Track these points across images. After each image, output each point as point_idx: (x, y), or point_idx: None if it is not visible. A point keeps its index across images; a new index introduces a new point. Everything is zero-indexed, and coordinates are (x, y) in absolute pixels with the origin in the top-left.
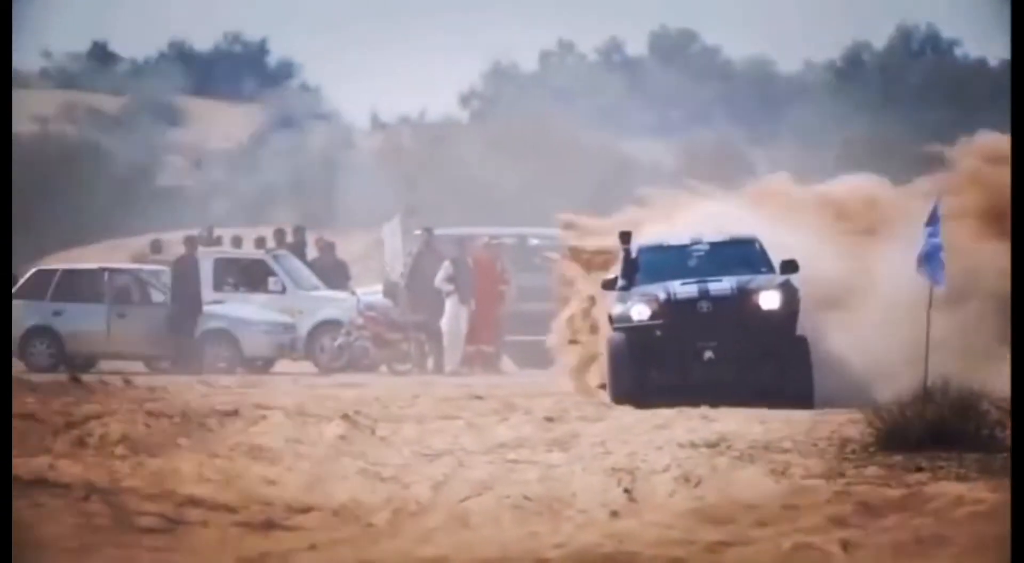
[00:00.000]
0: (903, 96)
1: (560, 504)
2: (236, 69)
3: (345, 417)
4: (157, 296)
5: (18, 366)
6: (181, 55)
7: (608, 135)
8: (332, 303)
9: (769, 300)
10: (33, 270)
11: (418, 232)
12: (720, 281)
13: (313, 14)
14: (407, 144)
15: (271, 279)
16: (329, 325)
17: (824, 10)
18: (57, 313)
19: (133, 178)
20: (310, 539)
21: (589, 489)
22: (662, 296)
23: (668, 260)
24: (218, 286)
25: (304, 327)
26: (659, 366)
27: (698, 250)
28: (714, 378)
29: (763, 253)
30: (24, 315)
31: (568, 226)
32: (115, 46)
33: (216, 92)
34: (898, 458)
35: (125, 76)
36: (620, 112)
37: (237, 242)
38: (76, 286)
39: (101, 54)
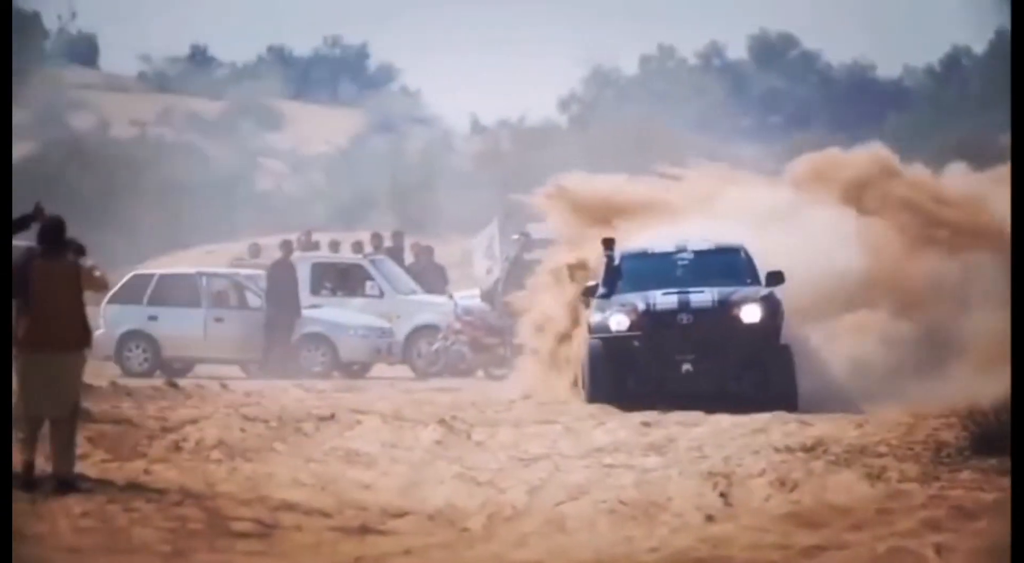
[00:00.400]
0: (1002, 101)
1: (656, 508)
2: (335, 73)
3: (441, 422)
4: (254, 300)
5: (114, 370)
6: (280, 59)
7: (708, 139)
8: (429, 307)
9: (750, 313)
10: (130, 274)
11: (516, 236)
12: (702, 292)
13: (413, 18)
14: (506, 148)
15: (368, 283)
16: (426, 329)
17: (924, 15)
18: (153, 317)
19: (231, 182)
20: (405, 544)
21: (685, 493)
22: (641, 306)
23: (652, 268)
24: (315, 290)
25: (401, 331)
26: (637, 375)
27: (682, 258)
28: (692, 389)
29: (749, 262)
30: (120, 319)
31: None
32: (214, 50)
33: (315, 96)
34: (992, 462)
35: (224, 80)
36: (720, 116)
37: (335, 246)
38: (173, 290)
39: (200, 58)
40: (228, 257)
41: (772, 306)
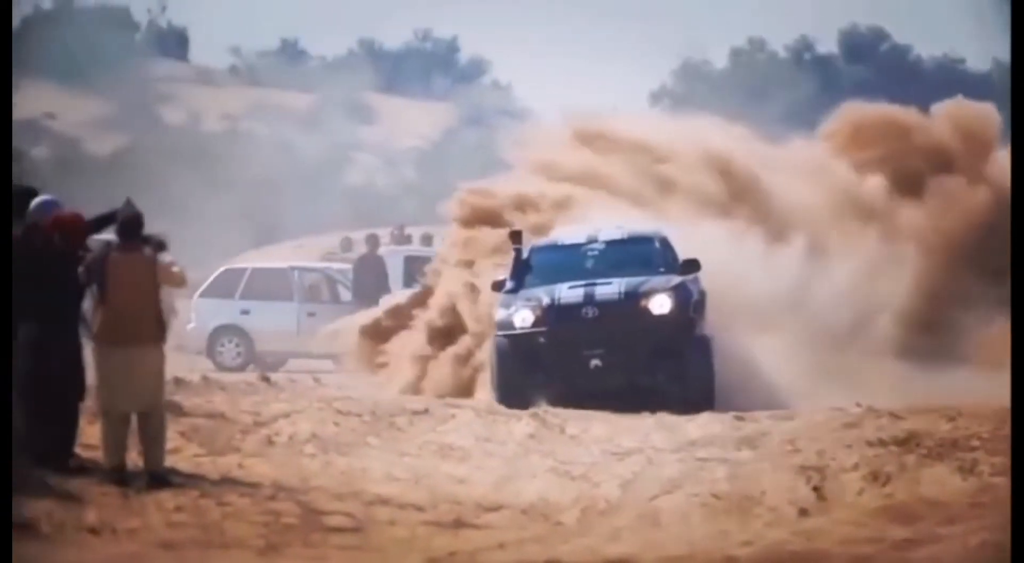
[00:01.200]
0: None
1: (749, 502)
2: (426, 67)
3: (535, 415)
4: (346, 295)
5: (206, 365)
6: (371, 52)
7: (798, 133)
8: None
9: (660, 304)
10: (221, 269)
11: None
12: (609, 284)
13: (504, 11)
14: None
15: None
16: None
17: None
18: (245, 312)
19: (322, 176)
20: (499, 538)
21: (778, 487)
22: (545, 301)
23: (562, 260)
24: (408, 283)
25: None
26: (545, 372)
27: (593, 249)
28: (602, 386)
29: (664, 251)
30: (212, 314)
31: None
32: (305, 44)
33: (406, 90)
34: None
35: (314, 74)
36: (810, 110)
37: (427, 240)
38: (265, 285)
39: (291, 51)
40: (320, 251)
41: (684, 296)
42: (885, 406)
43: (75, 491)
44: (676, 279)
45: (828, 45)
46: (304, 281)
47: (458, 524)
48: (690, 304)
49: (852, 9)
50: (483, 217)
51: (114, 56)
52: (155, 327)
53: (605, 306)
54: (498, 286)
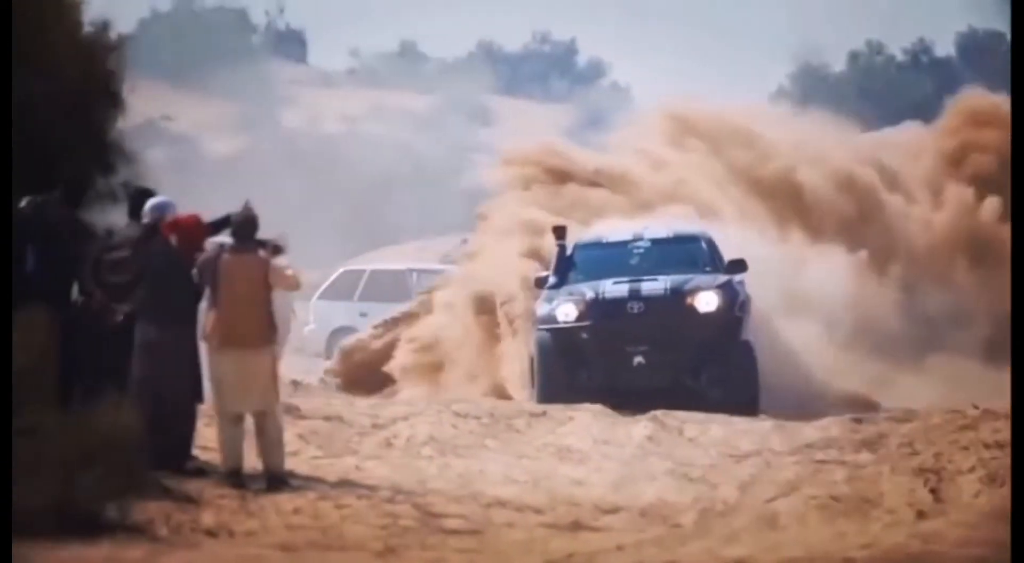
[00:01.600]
0: None
1: (867, 504)
2: (545, 68)
3: (653, 418)
4: None
5: (326, 366)
6: (490, 55)
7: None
8: None
9: (706, 302)
10: (340, 270)
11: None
12: (654, 280)
13: (622, 13)
14: None
15: None
16: None
17: None
18: (364, 314)
19: (442, 177)
20: (617, 540)
21: (896, 489)
22: (589, 295)
23: (606, 258)
24: None
25: None
26: (588, 369)
27: (639, 247)
28: (645, 384)
29: (711, 251)
30: (331, 316)
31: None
32: (424, 46)
33: (525, 92)
34: None
35: (433, 76)
36: (929, 112)
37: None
38: (384, 286)
39: (410, 53)
40: (438, 253)
41: (731, 295)
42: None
43: (193, 493)
44: (722, 278)
45: (946, 48)
46: (422, 283)
47: (576, 526)
48: (736, 303)
49: (970, 13)
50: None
51: (232, 58)
52: (266, 329)
53: (651, 301)
54: (540, 282)
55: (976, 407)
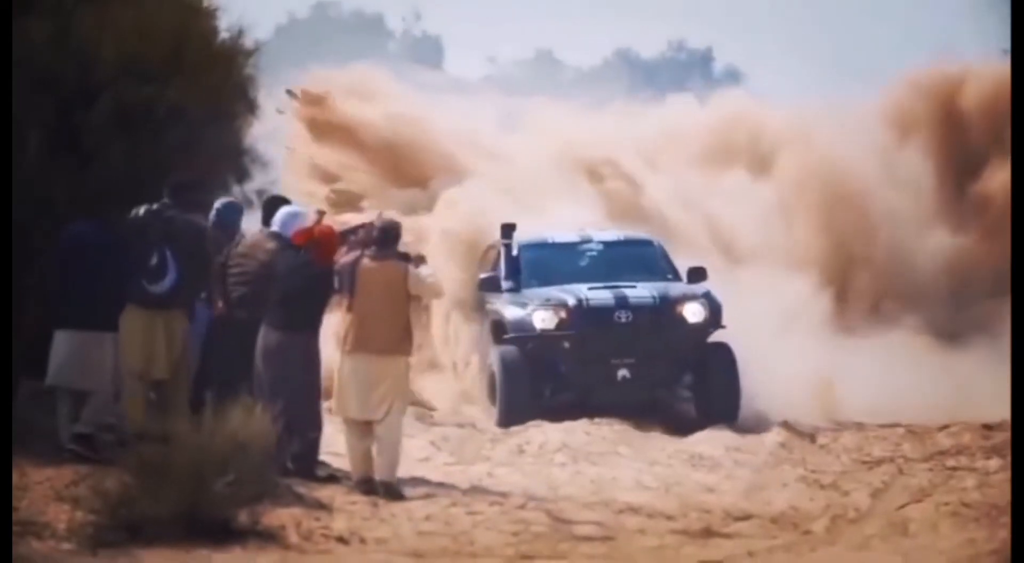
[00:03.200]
0: None
1: (997, 511)
2: (681, 76)
3: (785, 424)
4: None
5: None
6: (626, 62)
7: None
8: None
9: (694, 312)
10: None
11: None
12: (635, 288)
13: (756, 22)
14: None
15: None
16: None
17: None
18: None
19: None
20: (748, 546)
21: None
22: (572, 302)
23: (554, 259)
24: None
25: None
26: (560, 383)
27: (589, 249)
28: (626, 399)
29: (665, 257)
30: None
31: None
32: (560, 53)
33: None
34: None
35: (570, 83)
36: None
37: None
38: None
39: (546, 61)
40: None
41: (715, 305)
42: None
43: (324, 500)
44: (700, 287)
45: None
46: None
47: (707, 533)
48: (720, 314)
49: None
50: None
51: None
52: (401, 336)
53: (639, 311)
54: (491, 284)
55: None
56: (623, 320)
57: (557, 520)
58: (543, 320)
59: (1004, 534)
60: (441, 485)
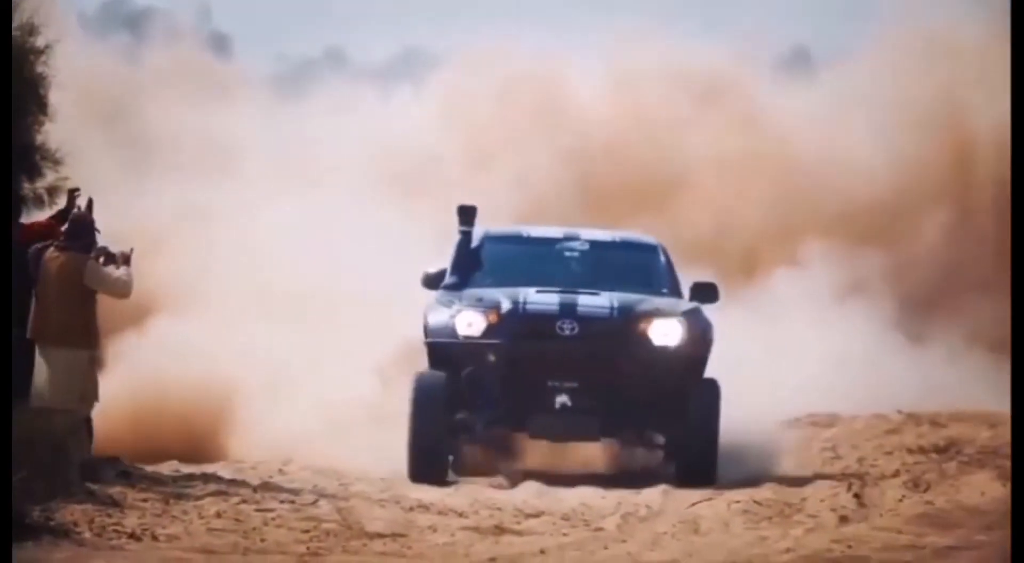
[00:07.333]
0: None
1: (790, 509)
2: None
3: None
4: None
5: None
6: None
7: None
8: None
9: (664, 332)
10: None
11: None
12: (595, 295)
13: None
14: None
15: None
16: None
17: None
18: None
19: None
20: (539, 544)
21: (819, 494)
22: (506, 305)
23: (525, 257)
24: None
25: None
26: (481, 408)
27: (572, 249)
28: (567, 434)
29: (668, 267)
30: None
31: None
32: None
33: None
34: None
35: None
36: None
37: None
38: None
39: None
40: None
41: (701, 327)
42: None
43: (116, 496)
44: (688, 304)
45: None
46: None
47: (499, 530)
48: (707, 340)
49: None
50: None
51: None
52: (81, 331)
53: (588, 323)
54: (433, 281)
55: (900, 412)
56: (566, 332)
57: (348, 518)
58: (469, 324)
59: (798, 532)
60: (232, 482)
